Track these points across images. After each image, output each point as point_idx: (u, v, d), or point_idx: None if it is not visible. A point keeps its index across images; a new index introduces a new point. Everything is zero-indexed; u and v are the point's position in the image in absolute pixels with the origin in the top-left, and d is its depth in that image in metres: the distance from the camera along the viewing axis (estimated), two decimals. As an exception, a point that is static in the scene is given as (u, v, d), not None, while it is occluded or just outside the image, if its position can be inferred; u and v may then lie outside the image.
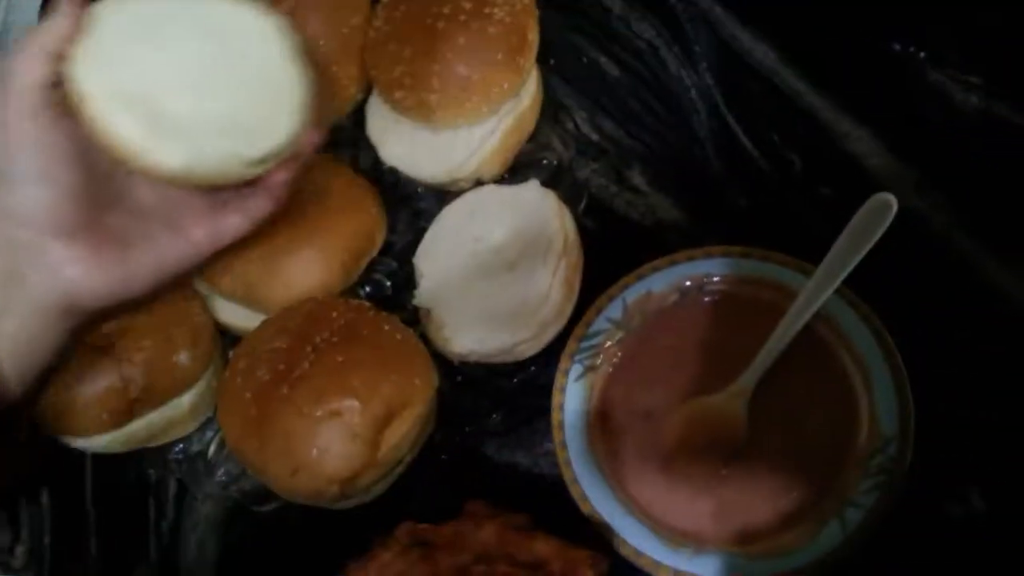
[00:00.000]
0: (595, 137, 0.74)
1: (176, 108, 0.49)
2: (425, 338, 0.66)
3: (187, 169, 0.49)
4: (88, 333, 0.54)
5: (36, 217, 0.48)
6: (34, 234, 0.48)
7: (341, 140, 0.77)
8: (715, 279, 0.63)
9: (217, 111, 0.51)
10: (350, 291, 0.70)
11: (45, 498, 0.72)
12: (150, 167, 0.49)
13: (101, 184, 0.50)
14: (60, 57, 0.48)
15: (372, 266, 0.71)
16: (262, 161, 0.52)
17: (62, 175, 0.48)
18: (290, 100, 0.52)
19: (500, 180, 0.72)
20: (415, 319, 0.68)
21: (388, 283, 0.72)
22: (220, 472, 0.67)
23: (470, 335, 0.64)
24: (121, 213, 0.51)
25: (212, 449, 0.68)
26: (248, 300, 0.67)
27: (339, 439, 0.58)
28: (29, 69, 0.47)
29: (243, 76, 0.52)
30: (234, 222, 0.54)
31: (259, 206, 0.55)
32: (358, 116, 0.75)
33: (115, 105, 0.48)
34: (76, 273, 0.49)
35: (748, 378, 0.59)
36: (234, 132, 0.51)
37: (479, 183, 0.71)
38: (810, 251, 0.61)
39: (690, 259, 0.63)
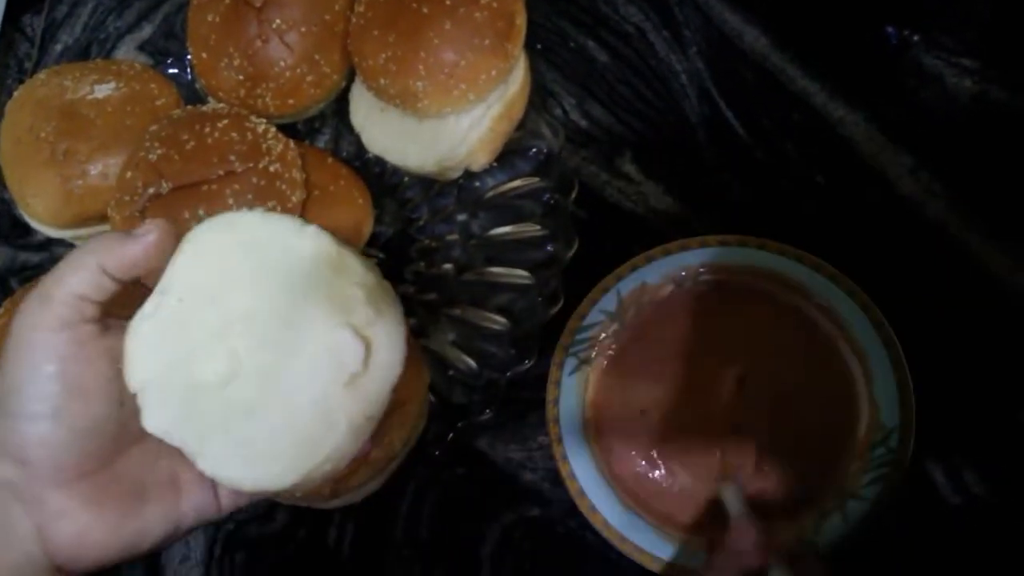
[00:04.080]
0: (584, 124, 0.73)
1: (231, 421, 0.41)
2: (416, 332, 0.65)
3: (225, 479, 0.41)
4: None
5: (38, 458, 0.39)
6: (30, 476, 0.39)
7: (324, 129, 0.75)
8: (711, 268, 0.62)
9: (268, 425, 0.41)
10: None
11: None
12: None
13: (120, 422, 0.42)
14: (117, 280, 0.42)
15: (359, 258, 0.69)
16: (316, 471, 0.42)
17: (79, 411, 0.40)
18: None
19: (488, 169, 0.70)
20: (405, 312, 0.67)
21: (375, 275, 0.70)
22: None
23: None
24: (138, 457, 0.43)
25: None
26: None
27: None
28: (76, 281, 0.41)
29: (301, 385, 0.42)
30: None
31: None
32: (341, 104, 0.73)
33: (157, 393, 0.41)
34: (78, 528, 0.40)
35: None
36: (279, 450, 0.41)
37: (468, 173, 0.69)
38: (805, 239, 0.60)
39: (685, 248, 0.62)
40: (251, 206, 0.60)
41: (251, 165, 0.61)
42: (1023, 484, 0.56)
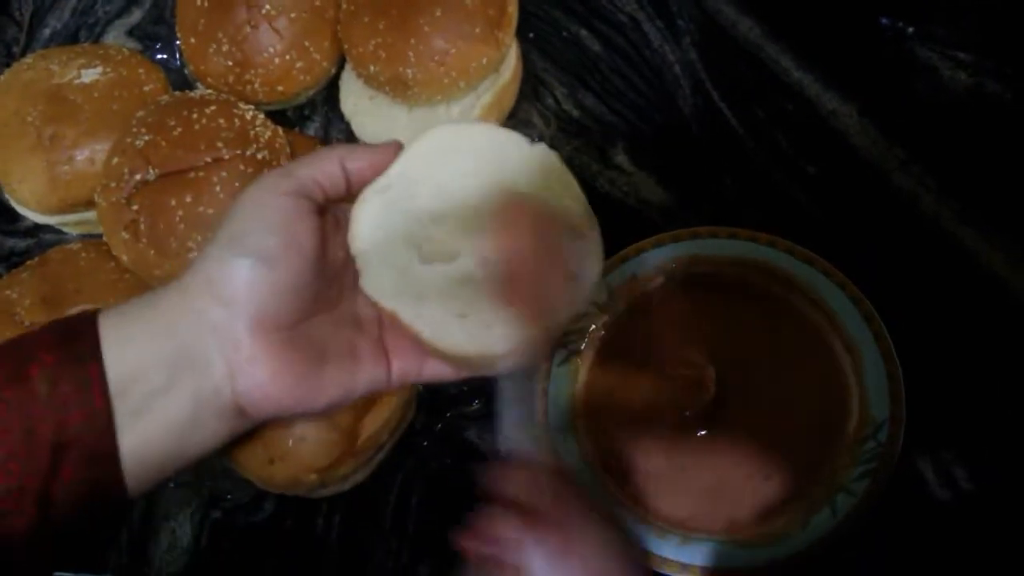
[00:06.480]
0: (576, 114, 0.72)
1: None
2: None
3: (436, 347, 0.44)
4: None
5: (244, 301, 0.42)
6: (232, 318, 0.42)
7: (314, 116, 0.75)
8: (701, 261, 0.62)
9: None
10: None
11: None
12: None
13: (317, 290, 0.45)
14: (349, 182, 0.45)
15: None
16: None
17: (291, 263, 0.43)
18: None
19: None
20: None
21: (364, 265, 0.70)
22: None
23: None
24: (325, 325, 0.46)
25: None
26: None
27: (316, 428, 0.56)
28: (318, 168, 0.45)
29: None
30: (438, 368, 0.48)
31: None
32: (331, 91, 0.73)
33: (378, 260, 0.44)
34: (264, 377, 0.43)
35: None
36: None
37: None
38: (796, 231, 0.60)
39: (676, 240, 0.62)
40: (238, 194, 0.60)
41: (239, 152, 0.61)
42: (1012, 480, 0.56)
